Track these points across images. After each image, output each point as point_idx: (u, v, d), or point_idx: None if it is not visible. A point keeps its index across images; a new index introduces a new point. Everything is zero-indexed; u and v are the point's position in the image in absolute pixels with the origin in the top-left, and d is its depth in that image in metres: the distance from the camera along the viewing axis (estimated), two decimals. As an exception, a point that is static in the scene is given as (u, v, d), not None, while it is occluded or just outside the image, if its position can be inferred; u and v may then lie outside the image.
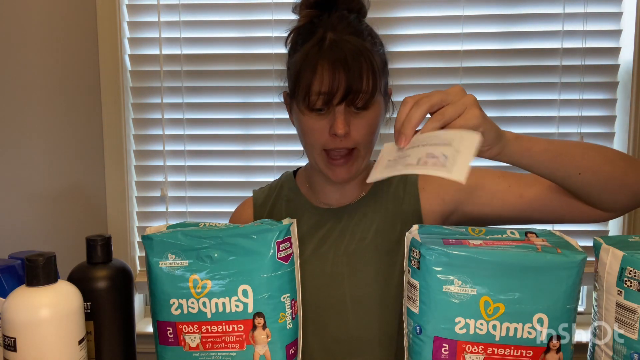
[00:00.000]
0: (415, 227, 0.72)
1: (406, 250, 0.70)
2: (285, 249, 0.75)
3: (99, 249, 0.78)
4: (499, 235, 0.70)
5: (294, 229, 0.77)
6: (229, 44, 1.73)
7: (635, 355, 0.62)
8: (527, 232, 0.71)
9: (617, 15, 1.65)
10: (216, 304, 0.73)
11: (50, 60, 1.73)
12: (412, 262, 0.68)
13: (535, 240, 0.69)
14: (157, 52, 1.73)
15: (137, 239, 1.81)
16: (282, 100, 1.04)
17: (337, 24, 0.92)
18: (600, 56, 1.66)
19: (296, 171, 1.13)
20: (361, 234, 1.01)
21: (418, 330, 0.68)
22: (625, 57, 1.65)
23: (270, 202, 1.08)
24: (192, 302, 0.74)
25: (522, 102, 1.69)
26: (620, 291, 0.63)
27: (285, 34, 1.00)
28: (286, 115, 1.69)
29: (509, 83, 1.68)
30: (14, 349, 0.65)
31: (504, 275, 0.65)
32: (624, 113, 1.66)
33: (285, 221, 0.77)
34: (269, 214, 1.07)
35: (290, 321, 0.76)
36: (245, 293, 0.73)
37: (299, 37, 0.96)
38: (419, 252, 0.67)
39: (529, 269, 0.64)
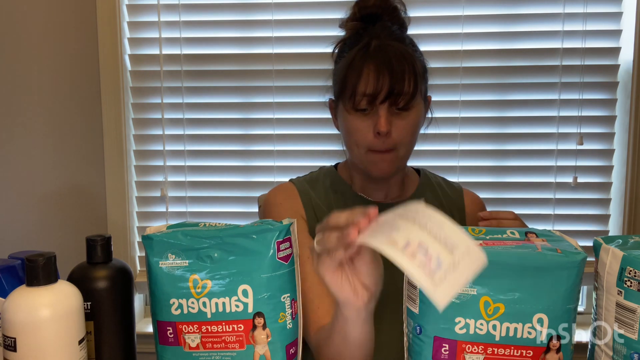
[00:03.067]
0: None
1: None
2: (285, 248, 0.75)
3: (99, 249, 0.78)
4: (499, 235, 0.70)
5: (294, 229, 0.77)
6: (229, 44, 1.73)
7: (635, 355, 0.62)
8: (527, 232, 0.71)
9: (617, 15, 1.65)
10: (216, 303, 0.73)
11: (50, 60, 1.73)
12: None
13: (535, 240, 0.69)
14: (157, 52, 1.73)
15: (137, 239, 1.81)
16: (328, 105, 1.09)
17: (381, 33, 0.99)
18: (600, 56, 1.66)
19: (335, 166, 1.14)
20: None
21: (418, 330, 0.68)
22: (625, 57, 1.65)
23: (316, 191, 1.07)
24: (192, 302, 0.74)
25: (522, 102, 1.68)
26: (620, 291, 0.63)
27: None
28: (286, 115, 1.72)
29: (509, 83, 1.68)
30: (14, 349, 0.65)
31: (504, 275, 0.65)
32: (624, 113, 1.66)
33: (285, 221, 0.77)
34: (317, 204, 1.05)
35: (290, 321, 0.76)
36: (245, 293, 0.73)
37: (345, 47, 1.02)
38: None
39: (529, 269, 0.64)
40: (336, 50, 1.06)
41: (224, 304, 0.73)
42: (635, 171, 1.65)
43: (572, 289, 0.65)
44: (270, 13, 1.70)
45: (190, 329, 0.74)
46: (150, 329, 0.80)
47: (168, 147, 1.77)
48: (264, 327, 0.74)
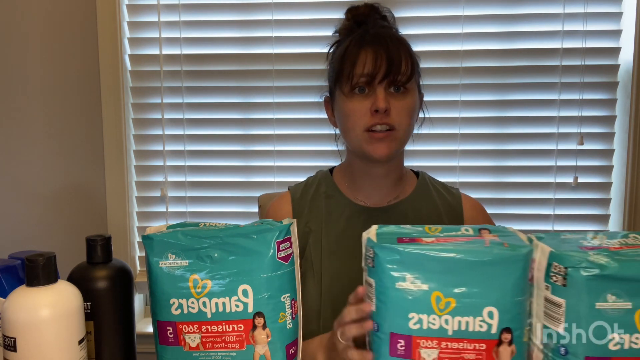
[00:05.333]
0: (374, 227, 0.73)
1: (363, 250, 0.71)
2: (285, 248, 0.75)
3: (99, 249, 0.78)
4: (454, 233, 0.71)
5: (294, 229, 0.77)
6: (229, 44, 1.73)
7: (562, 349, 0.63)
8: (480, 229, 0.72)
9: (617, 15, 1.65)
10: (216, 303, 0.74)
11: (50, 60, 1.73)
12: (368, 261, 0.69)
13: (486, 236, 0.70)
14: (157, 52, 1.74)
15: (137, 239, 1.81)
16: (323, 102, 1.11)
17: (375, 26, 1.03)
18: (600, 56, 1.66)
19: (331, 170, 1.15)
20: None
21: (376, 328, 0.68)
22: (625, 57, 1.65)
23: (309, 198, 1.09)
24: (192, 302, 0.74)
25: (522, 102, 1.69)
26: (548, 286, 0.64)
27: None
28: (286, 115, 1.72)
29: (509, 83, 1.68)
30: (14, 349, 0.66)
31: (453, 271, 0.66)
32: (624, 113, 1.66)
33: (285, 221, 0.77)
34: (309, 210, 1.07)
35: (290, 321, 0.76)
36: (245, 293, 0.73)
37: (340, 44, 1.05)
38: (373, 250, 0.68)
39: (477, 263, 0.66)
40: (331, 50, 1.08)
41: (224, 304, 0.73)
42: (635, 171, 1.65)
43: (520, 282, 0.66)
44: (270, 13, 1.70)
45: (190, 329, 0.75)
46: (150, 329, 0.80)
47: (168, 147, 1.77)
48: (264, 327, 0.74)
